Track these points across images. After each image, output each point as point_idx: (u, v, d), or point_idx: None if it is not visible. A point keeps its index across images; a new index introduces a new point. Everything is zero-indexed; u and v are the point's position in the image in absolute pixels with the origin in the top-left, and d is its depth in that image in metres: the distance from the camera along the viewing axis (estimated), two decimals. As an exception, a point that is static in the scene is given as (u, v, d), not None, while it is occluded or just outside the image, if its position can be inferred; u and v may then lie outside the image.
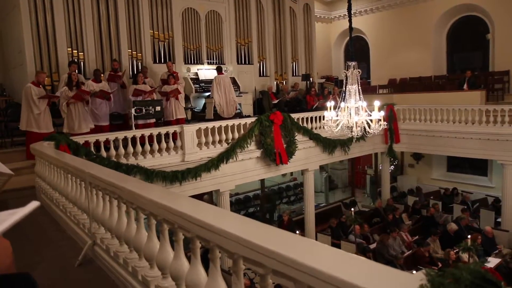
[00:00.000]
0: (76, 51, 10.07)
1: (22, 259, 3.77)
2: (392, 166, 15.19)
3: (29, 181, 6.86)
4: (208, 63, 12.57)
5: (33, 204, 1.40)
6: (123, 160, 7.73)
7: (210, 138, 8.97)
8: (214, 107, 10.73)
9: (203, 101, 11.79)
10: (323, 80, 16.97)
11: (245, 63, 13.60)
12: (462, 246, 8.83)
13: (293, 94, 13.29)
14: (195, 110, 11.69)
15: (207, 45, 12.57)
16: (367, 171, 16.76)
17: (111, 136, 7.76)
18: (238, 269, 1.93)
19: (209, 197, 11.11)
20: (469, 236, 9.08)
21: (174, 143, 8.48)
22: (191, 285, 2.24)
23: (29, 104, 7.95)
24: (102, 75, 9.58)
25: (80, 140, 7.32)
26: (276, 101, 12.83)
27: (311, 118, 11.18)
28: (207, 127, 9.03)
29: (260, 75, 14.03)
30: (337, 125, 8.17)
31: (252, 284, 7.67)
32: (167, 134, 8.35)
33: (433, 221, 11.57)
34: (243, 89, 12.68)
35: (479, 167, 14.53)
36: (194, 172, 8.55)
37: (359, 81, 8.22)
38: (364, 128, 8.10)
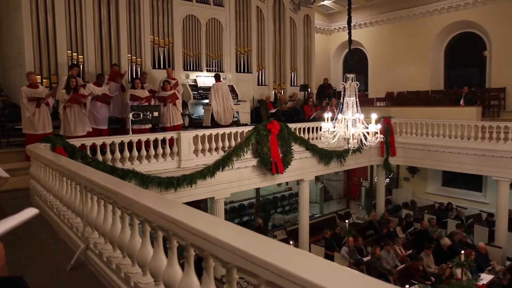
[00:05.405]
0: (76, 54, 10.08)
1: (14, 262, 3.73)
2: (388, 179, 15.22)
3: (23, 182, 6.81)
4: (207, 70, 12.61)
5: (31, 211, 1.39)
6: (119, 165, 7.71)
7: (207, 145, 8.97)
8: (212, 114, 10.75)
9: (201, 108, 11.81)
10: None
11: (244, 71, 13.65)
12: (455, 262, 8.83)
13: (290, 104, 13.33)
14: (193, 117, 11.70)
15: (206, 52, 12.61)
16: (362, 183, 16.78)
17: (108, 140, 7.75)
18: (232, 278, 1.92)
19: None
20: (462, 252, 9.09)
21: (171, 149, 8.48)
22: (183, 293, 2.23)
23: (22, 107, 8.00)
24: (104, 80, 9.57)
25: (77, 143, 7.30)
26: (273, 111, 12.86)
27: (308, 128, 11.21)
28: (204, 134, 9.03)
29: (258, 84, 14.09)
30: (334, 136, 8.20)
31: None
32: (163, 140, 8.34)
33: (426, 235, 11.58)
34: (241, 97, 12.71)
35: (474, 182, 14.58)
36: (189, 179, 8.54)
37: (357, 93, 8.28)
38: (361, 140, 8.14)
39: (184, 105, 11.15)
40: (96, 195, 3.66)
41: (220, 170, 9.09)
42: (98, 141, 7.64)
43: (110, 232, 3.36)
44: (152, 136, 8.22)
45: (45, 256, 4.26)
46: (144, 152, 8.05)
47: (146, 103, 9.37)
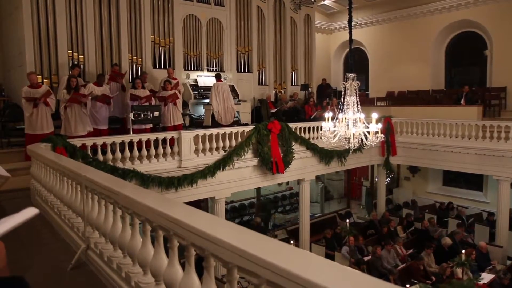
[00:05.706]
0: (76, 53, 10.08)
1: (15, 262, 3.73)
2: (388, 179, 15.20)
3: (24, 182, 6.82)
4: (208, 70, 12.61)
5: (32, 211, 1.39)
6: (120, 164, 7.71)
7: (208, 145, 8.96)
8: (212, 114, 10.75)
9: (201, 107, 11.81)
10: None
11: (244, 71, 13.65)
12: (456, 261, 8.82)
13: (291, 104, 13.33)
14: (194, 116, 11.70)
15: (207, 52, 12.61)
16: (363, 182, 16.77)
17: (108, 140, 7.75)
18: (232, 278, 1.92)
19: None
20: (463, 251, 9.08)
21: (171, 149, 8.48)
22: (184, 293, 2.23)
23: (23, 107, 8.02)
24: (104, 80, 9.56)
25: (77, 143, 7.30)
26: (274, 110, 12.86)
27: (309, 128, 11.21)
28: (204, 133, 9.03)
29: (259, 84, 14.09)
30: (335, 136, 8.19)
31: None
32: (164, 140, 8.34)
33: (427, 234, 11.57)
34: (241, 97, 12.71)
35: (475, 182, 14.57)
36: (190, 179, 8.54)
37: (357, 92, 8.26)
38: (361, 140, 8.13)
39: (185, 104, 11.15)
40: (97, 195, 3.66)
41: (221, 169, 9.09)
42: (99, 141, 7.64)
43: (111, 232, 3.36)
44: (152, 136, 8.22)
45: (46, 255, 4.26)
46: (144, 152, 8.04)
47: (146, 103, 9.37)
